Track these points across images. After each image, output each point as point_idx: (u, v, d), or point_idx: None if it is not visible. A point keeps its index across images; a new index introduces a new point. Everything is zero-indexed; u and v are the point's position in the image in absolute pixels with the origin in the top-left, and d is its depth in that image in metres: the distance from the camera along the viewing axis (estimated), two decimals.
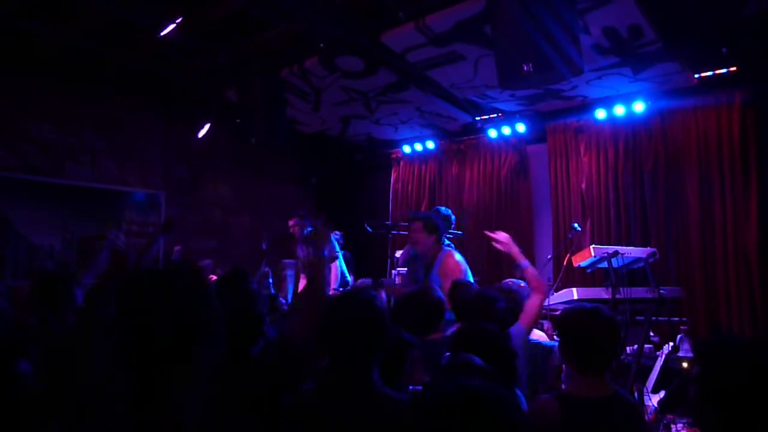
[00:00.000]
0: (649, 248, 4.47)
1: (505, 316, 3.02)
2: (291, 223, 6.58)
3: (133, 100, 7.43)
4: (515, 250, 3.53)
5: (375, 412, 1.88)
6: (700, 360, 1.69)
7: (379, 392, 1.94)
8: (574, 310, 2.24)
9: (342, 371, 1.97)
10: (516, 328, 2.99)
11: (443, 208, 5.67)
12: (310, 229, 6.39)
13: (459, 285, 3.59)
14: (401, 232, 6.48)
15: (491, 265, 7.42)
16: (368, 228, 6.63)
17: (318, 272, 2.35)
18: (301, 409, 1.98)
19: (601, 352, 2.13)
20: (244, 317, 2.22)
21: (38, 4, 5.17)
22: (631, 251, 4.35)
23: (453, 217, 5.64)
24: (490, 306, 3.01)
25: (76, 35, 5.69)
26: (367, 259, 7.66)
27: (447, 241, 5.59)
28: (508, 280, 4.69)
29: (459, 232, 5.89)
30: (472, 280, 4.21)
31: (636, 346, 4.41)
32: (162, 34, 4.89)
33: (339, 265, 6.25)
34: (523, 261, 3.45)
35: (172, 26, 4.84)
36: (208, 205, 8.40)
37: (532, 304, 3.21)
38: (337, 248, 6.33)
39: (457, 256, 4.33)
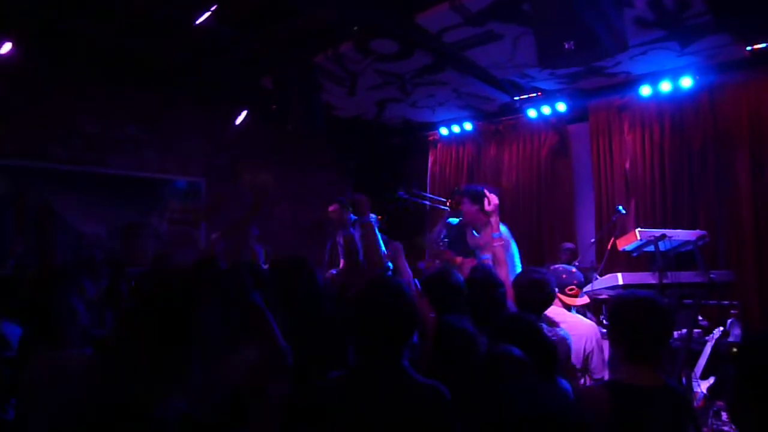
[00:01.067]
0: (698, 231, 4.28)
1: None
2: (331, 209, 6.58)
3: (172, 92, 7.54)
4: (495, 219, 3.54)
5: (404, 398, 1.87)
6: (739, 359, 1.61)
7: (409, 378, 1.93)
8: (626, 298, 2.20)
9: (372, 358, 1.97)
10: None
11: (477, 187, 5.58)
12: (352, 216, 6.37)
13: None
14: (437, 205, 6.18)
15: (532, 247, 7.30)
16: (402, 194, 6.37)
17: (367, 235, 2.50)
18: (331, 396, 1.97)
19: (652, 341, 2.10)
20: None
21: (80, 3, 5.28)
22: (679, 234, 4.18)
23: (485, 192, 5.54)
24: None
25: (115, 31, 5.82)
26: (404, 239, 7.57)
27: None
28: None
29: None
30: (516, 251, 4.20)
31: (684, 331, 4.27)
32: (197, 22, 4.91)
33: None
34: (498, 232, 3.46)
35: (207, 14, 4.85)
36: (249, 191, 8.49)
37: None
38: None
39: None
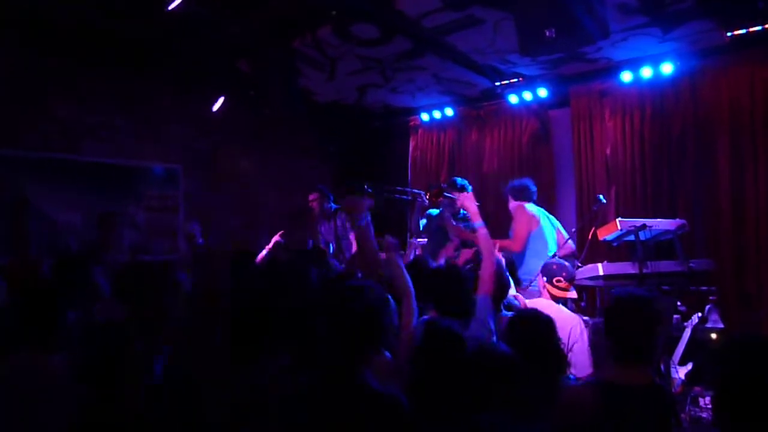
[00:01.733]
0: (677, 220, 4.31)
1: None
2: (311, 197, 6.50)
3: (148, 76, 7.34)
4: (473, 208, 3.49)
5: (366, 407, 1.85)
6: (721, 364, 1.60)
7: (371, 387, 1.89)
8: (622, 297, 2.20)
9: (333, 366, 1.93)
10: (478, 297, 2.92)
11: (459, 179, 5.58)
12: (332, 205, 6.31)
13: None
14: (405, 198, 6.14)
15: None
16: (368, 189, 6.31)
17: (363, 240, 2.49)
18: (295, 403, 1.96)
19: (645, 343, 2.11)
20: None
21: None
22: (659, 223, 4.19)
23: (469, 187, 5.55)
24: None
25: (89, 14, 5.63)
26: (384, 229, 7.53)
27: (463, 211, 5.50)
28: None
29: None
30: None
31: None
32: (170, 8, 4.75)
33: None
34: (478, 222, 3.39)
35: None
36: (227, 178, 8.37)
37: (484, 269, 3.10)
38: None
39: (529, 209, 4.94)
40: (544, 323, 2.40)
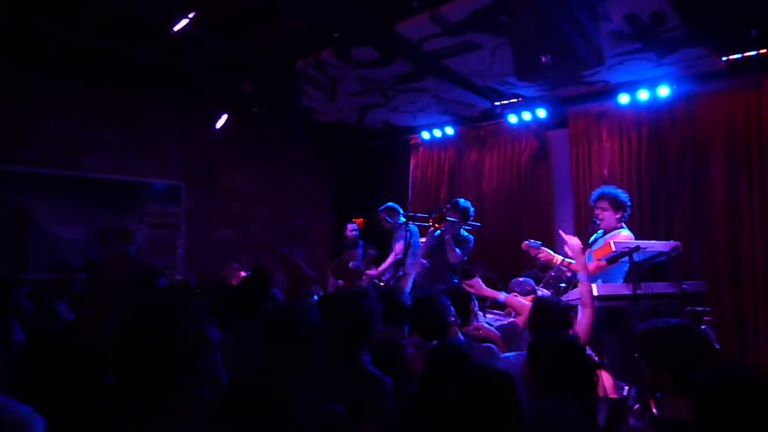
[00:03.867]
0: (671, 242, 4.33)
1: None
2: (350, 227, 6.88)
3: (150, 95, 7.46)
4: (580, 260, 3.55)
5: (361, 384, 2.46)
6: (700, 404, 1.60)
7: (366, 369, 2.54)
8: (661, 329, 2.11)
9: (336, 354, 2.52)
10: None
11: (462, 201, 5.65)
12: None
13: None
14: (420, 223, 6.30)
15: (512, 252, 7.35)
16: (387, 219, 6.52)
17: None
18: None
19: (699, 370, 1.98)
20: None
21: (53, 4, 5.20)
22: (654, 245, 4.23)
23: (472, 209, 5.62)
24: None
25: (91, 34, 5.73)
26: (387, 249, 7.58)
27: (465, 233, 5.57)
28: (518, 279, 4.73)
29: (477, 223, 5.82)
30: None
31: None
32: (175, 29, 4.85)
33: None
34: (580, 275, 3.55)
35: (185, 21, 4.80)
36: (228, 195, 8.45)
37: (581, 320, 3.30)
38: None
39: (625, 232, 4.56)
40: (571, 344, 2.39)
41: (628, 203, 4.68)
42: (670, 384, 2.01)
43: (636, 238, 4.73)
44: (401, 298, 3.36)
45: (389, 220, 6.49)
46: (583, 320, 3.31)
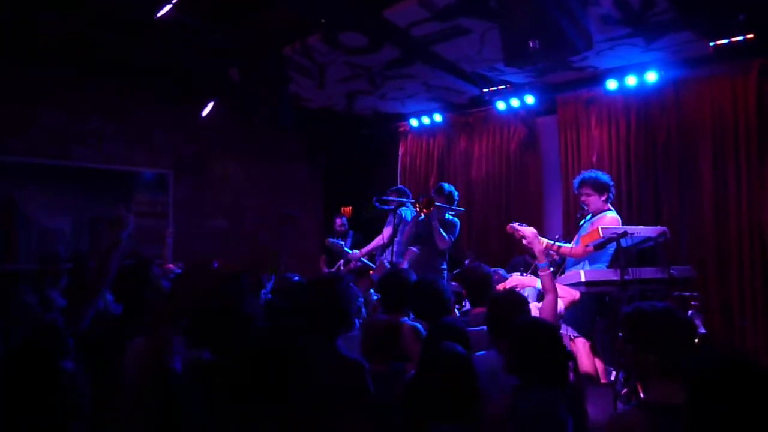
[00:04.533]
0: (659, 227, 4.36)
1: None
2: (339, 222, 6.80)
3: (138, 83, 7.39)
4: (539, 248, 3.58)
5: (335, 367, 2.49)
6: (691, 389, 1.61)
7: (340, 354, 2.57)
8: (646, 312, 2.09)
9: (315, 338, 2.58)
10: None
11: (446, 185, 5.66)
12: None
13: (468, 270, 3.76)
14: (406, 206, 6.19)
15: (500, 239, 7.37)
16: (375, 203, 6.40)
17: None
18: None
19: (683, 354, 2.02)
20: None
21: None
22: (641, 230, 4.25)
23: (456, 193, 5.62)
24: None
25: (79, 24, 5.66)
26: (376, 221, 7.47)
27: (450, 216, 5.57)
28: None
29: (461, 209, 5.81)
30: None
31: None
32: (158, 15, 4.79)
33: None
34: (542, 262, 3.48)
35: (168, 7, 4.74)
36: (218, 183, 8.40)
37: (544, 309, 3.28)
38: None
39: (611, 214, 4.64)
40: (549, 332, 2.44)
41: (611, 183, 4.75)
42: (655, 367, 2.02)
43: (624, 224, 4.76)
44: (404, 282, 3.39)
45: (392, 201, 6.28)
46: (546, 305, 3.35)
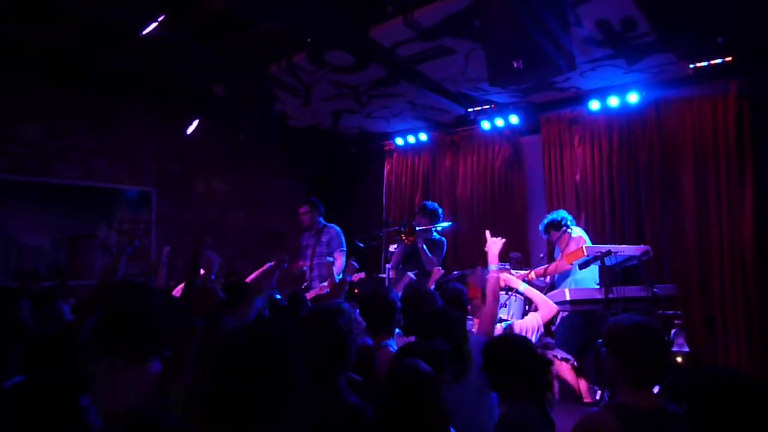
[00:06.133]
0: (642, 246, 4.42)
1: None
2: (302, 210, 6.46)
3: (122, 99, 7.34)
4: (493, 252, 3.57)
5: (340, 416, 2.15)
6: (689, 402, 1.64)
7: (344, 398, 2.21)
8: (624, 325, 2.24)
9: (313, 379, 2.19)
10: (475, 338, 2.98)
11: (429, 203, 5.68)
12: (321, 220, 6.29)
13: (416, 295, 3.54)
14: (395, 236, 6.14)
15: (486, 256, 7.38)
16: (359, 243, 6.31)
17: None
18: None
19: (655, 365, 2.16)
20: None
21: (23, 6, 5.09)
22: (624, 249, 4.30)
23: (440, 210, 5.64)
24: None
25: (62, 36, 5.63)
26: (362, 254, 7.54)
27: (437, 235, 5.56)
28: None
29: (448, 223, 5.82)
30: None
31: None
32: (144, 33, 4.78)
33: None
34: (491, 265, 3.50)
35: (154, 24, 4.73)
36: (202, 201, 8.33)
37: (485, 314, 3.27)
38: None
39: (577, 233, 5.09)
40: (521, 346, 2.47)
41: (560, 218, 5.27)
42: (625, 374, 2.15)
43: (607, 243, 4.82)
44: (388, 300, 3.19)
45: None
46: (485, 312, 3.31)
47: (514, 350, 2.43)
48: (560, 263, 4.81)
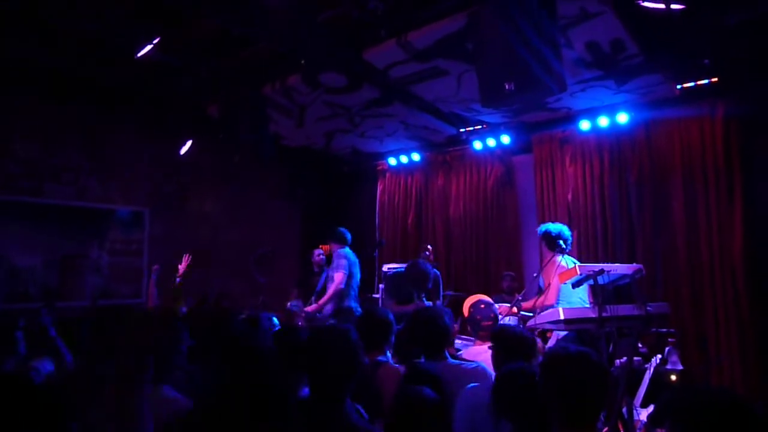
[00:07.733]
0: (635, 265, 4.42)
1: None
2: (325, 247, 6.74)
3: (116, 118, 7.34)
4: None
5: None
6: (672, 420, 1.63)
7: (351, 422, 2.10)
8: (558, 355, 2.01)
9: (317, 401, 2.13)
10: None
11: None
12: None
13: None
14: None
15: (479, 276, 7.41)
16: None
17: None
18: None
19: (591, 403, 1.94)
20: None
21: (19, 25, 5.12)
22: (617, 268, 4.30)
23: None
24: None
25: (57, 56, 5.64)
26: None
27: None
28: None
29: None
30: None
31: (624, 359, 4.38)
32: (139, 55, 4.81)
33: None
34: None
35: (149, 47, 4.77)
36: (196, 220, 8.31)
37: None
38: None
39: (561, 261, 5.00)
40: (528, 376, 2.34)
41: (557, 239, 5.17)
42: (565, 415, 1.93)
43: (599, 262, 4.85)
44: (383, 319, 3.23)
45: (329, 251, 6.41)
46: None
47: (526, 382, 2.24)
48: (548, 296, 4.86)
